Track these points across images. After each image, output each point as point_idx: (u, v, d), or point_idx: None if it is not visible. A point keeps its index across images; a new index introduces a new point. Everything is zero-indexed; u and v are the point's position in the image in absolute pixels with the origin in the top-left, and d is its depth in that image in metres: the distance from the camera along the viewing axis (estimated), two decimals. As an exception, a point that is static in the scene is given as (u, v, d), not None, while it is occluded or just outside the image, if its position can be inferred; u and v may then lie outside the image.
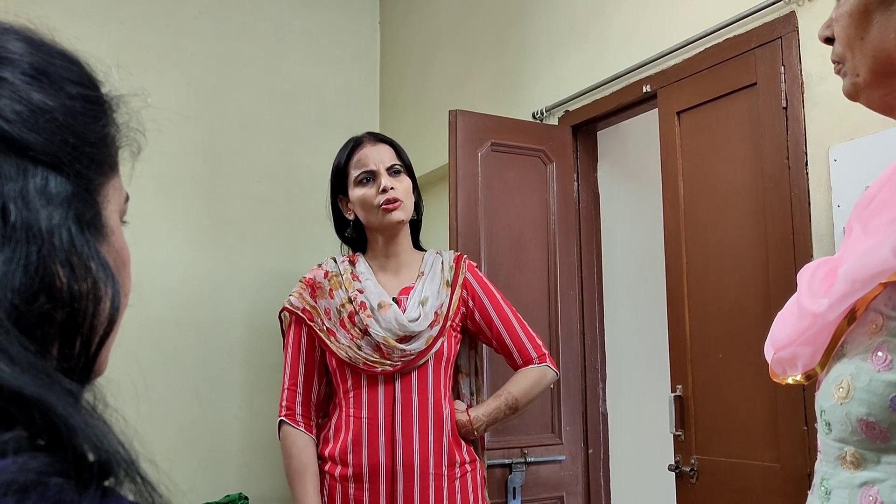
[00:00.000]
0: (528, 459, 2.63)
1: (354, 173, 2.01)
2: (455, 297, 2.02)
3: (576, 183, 2.97)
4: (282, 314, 2.06)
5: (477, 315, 2.07)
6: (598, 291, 2.99)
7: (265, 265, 3.75)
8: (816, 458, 0.90)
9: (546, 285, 2.82)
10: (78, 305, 0.47)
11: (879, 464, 0.78)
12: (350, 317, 1.94)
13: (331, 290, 1.99)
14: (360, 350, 1.90)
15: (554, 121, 3.03)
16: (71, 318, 0.47)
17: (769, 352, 0.96)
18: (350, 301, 1.95)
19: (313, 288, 2.01)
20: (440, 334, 1.95)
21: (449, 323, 1.99)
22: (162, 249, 3.58)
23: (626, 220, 3.18)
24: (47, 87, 0.50)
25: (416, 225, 2.12)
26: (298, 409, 1.99)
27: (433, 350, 1.94)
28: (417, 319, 1.93)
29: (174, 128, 3.68)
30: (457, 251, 2.17)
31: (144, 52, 3.66)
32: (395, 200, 1.96)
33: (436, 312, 1.96)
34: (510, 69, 3.29)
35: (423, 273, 2.04)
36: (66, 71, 0.52)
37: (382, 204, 1.96)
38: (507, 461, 2.61)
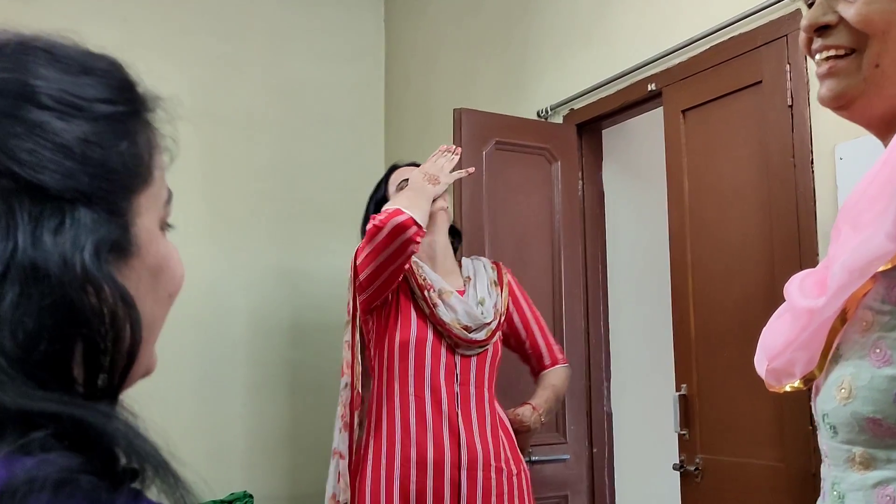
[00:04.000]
0: (533, 458, 2.63)
1: (392, 187, 2.17)
2: (504, 297, 2.15)
3: (580, 181, 2.96)
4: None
5: (516, 318, 2.19)
6: (603, 290, 2.98)
7: (267, 263, 3.75)
8: (822, 460, 0.89)
9: (551, 284, 2.81)
10: (96, 340, 0.47)
11: (890, 462, 0.76)
12: (420, 288, 2.05)
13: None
14: (429, 318, 2.03)
15: (559, 119, 3.03)
16: (91, 353, 0.47)
17: (762, 364, 0.93)
18: (423, 279, 2.07)
19: None
20: (498, 327, 2.10)
21: (503, 318, 2.13)
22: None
23: (630, 218, 3.18)
24: (72, 118, 0.49)
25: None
26: None
27: (493, 340, 2.07)
28: (483, 313, 2.06)
29: (174, 125, 3.68)
30: (485, 257, 2.36)
31: (147, 49, 3.65)
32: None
33: (496, 308, 2.10)
34: (515, 67, 3.28)
35: (469, 277, 2.16)
36: (94, 90, 0.51)
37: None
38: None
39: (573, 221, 2.90)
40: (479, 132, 2.77)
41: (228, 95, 3.81)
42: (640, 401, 3.05)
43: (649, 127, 2.93)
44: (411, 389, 1.95)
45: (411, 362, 1.98)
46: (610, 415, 2.92)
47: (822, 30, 0.82)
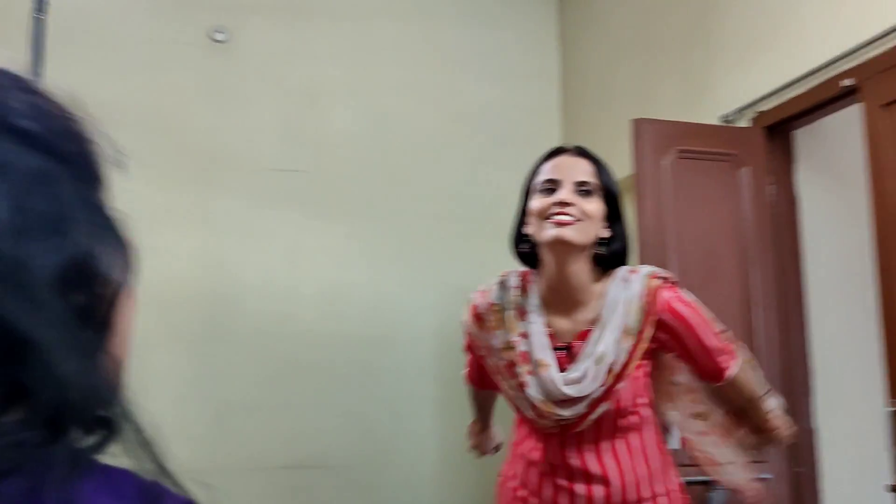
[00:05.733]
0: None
1: (538, 181, 1.69)
2: (639, 350, 1.65)
3: (770, 186, 2.82)
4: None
5: (674, 347, 1.70)
6: (799, 300, 2.81)
7: (451, 282, 3.84)
8: None
9: (741, 296, 2.69)
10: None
11: None
12: (509, 366, 1.69)
13: (491, 327, 1.73)
14: (517, 399, 1.71)
15: (745, 123, 2.91)
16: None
17: None
18: (511, 347, 1.69)
19: (477, 319, 1.78)
20: (605, 396, 1.62)
21: (622, 383, 1.64)
22: (352, 271, 3.78)
23: (829, 223, 2.98)
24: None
25: (618, 257, 1.73)
26: (475, 376, 1.97)
27: (595, 413, 1.64)
28: (580, 381, 1.62)
29: (363, 154, 3.89)
30: (652, 273, 1.70)
31: (334, 83, 3.89)
32: (568, 217, 1.61)
33: (609, 370, 1.62)
34: (696, 72, 3.19)
35: (601, 317, 1.66)
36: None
37: (551, 215, 1.62)
38: (705, 478, 2.51)
39: (763, 229, 2.77)
40: (660, 142, 2.72)
41: (410, 122, 3.97)
42: (849, 417, 2.84)
43: (846, 125, 2.76)
44: (521, 447, 1.78)
45: (515, 414, 1.80)
46: (813, 432, 2.74)
47: None
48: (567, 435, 1.67)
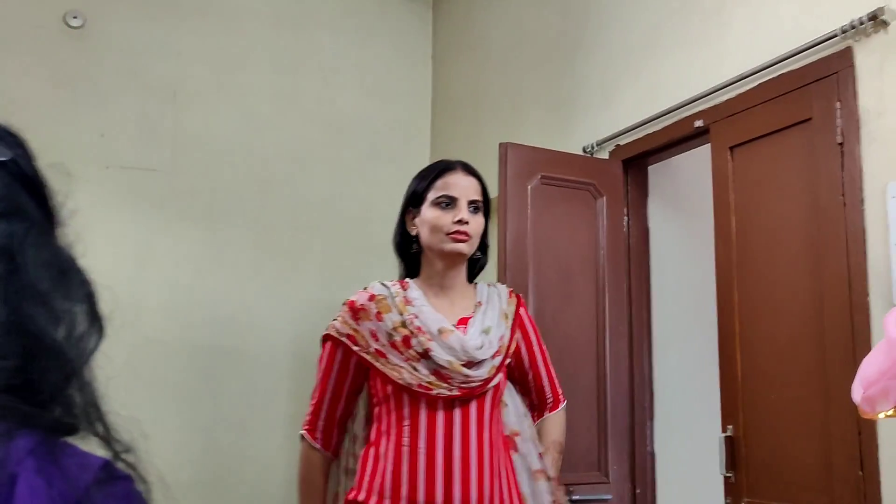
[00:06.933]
0: (574, 497, 2.59)
1: (435, 194, 1.95)
2: (515, 333, 2.00)
3: (626, 217, 2.94)
4: (323, 337, 2.00)
5: (523, 351, 2.04)
6: (648, 328, 2.94)
7: (313, 296, 3.78)
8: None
9: (594, 320, 2.78)
10: None
11: None
12: (405, 340, 1.87)
13: (378, 312, 1.92)
14: (416, 371, 1.84)
15: (605, 155, 3.02)
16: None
17: (857, 392, 0.99)
18: (404, 325, 1.88)
19: (355, 311, 1.94)
20: (501, 365, 1.91)
21: (508, 358, 1.96)
22: (210, 280, 3.63)
23: (677, 255, 3.14)
24: None
25: (476, 262, 2.06)
26: (320, 424, 1.96)
27: (495, 381, 1.89)
28: (482, 347, 1.88)
29: (225, 158, 3.76)
30: (508, 286, 2.12)
31: (198, 81, 3.75)
32: (466, 234, 1.92)
33: (500, 341, 1.93)
34: (562, 103, 3.29)
35: (481, 303, 1.98)
36: None
37: (452, 233, 1.91)
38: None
39: (618, 257, 2.88)
40: (525, 167, 2.78)
41: (278, 129, 3.88)
42: (686, 441, 2.99)
43: (696, 163, 2.91)
44: (404, 440, 1.84)
45: (405, 407, 1.86)
46: (653, 455, 2.86)
47: None
48: (461, 413, 1.84)
